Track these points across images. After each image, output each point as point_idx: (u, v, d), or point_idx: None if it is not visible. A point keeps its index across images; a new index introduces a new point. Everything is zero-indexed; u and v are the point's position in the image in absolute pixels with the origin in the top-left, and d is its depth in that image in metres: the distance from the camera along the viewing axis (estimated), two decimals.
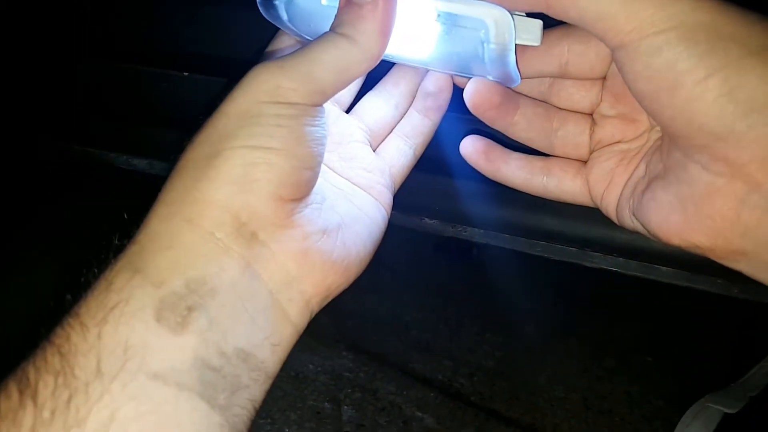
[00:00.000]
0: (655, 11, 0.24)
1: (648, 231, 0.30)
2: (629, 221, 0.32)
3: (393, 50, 0.34)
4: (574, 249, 0.44)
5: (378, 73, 0.37)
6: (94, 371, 0.24)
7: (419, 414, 0.90)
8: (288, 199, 0.28)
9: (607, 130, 0.34)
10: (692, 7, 0.24)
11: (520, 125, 0.35)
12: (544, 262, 0.54)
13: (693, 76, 0.24)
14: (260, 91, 0.28)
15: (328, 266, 0.30)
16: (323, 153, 0.30)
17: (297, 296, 0.29)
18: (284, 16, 0.33)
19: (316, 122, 0.29)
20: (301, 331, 0.30)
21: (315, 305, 0.31)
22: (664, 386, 0.91)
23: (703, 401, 0.73)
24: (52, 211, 1.09)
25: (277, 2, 0.33)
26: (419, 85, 0.38)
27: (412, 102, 0.38)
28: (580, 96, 0.35)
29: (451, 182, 0.46)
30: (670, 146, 0.29)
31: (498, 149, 0.36)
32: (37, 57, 0.60)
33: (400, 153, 0.37)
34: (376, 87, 0.38)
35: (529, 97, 0.35)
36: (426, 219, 0.48)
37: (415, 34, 0.33)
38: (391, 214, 0.41)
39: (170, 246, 0.27)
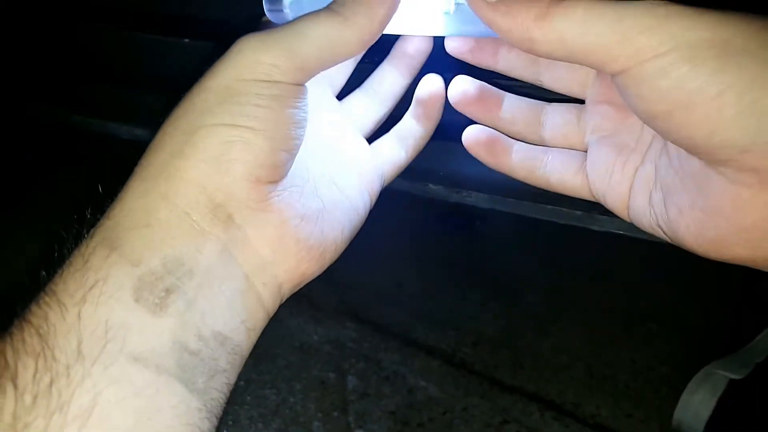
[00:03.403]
0: (651, 35, 0.23)
1: (684, 247, 0.29)
2: (654, 230, 0.31)
3: (396, 28, 0.32)
4: (580, 212, 0.43)
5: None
6: (74, 353, 0.24)
7: (423, 383, 0.91)
8: (264, 181, 0.28)
9: (597, 118, 0.33)
10: (689, 25, 0.23)
11: (506, 120, 0.35)
12: (548, 229, 0.53)
13: (706, 93, 0.23)
14: (241, 66, 0.27)
15: (303, 253, 0.30)
16: (302, 135, 0.29)
17: (270, 281, 0.29)
18: (289, 17, 0.32)
19: (298, 103, 0.28)
20: (272, 315, 0.30)
21: (287, 291, 0.30)
22: (669, 353, 0.91)
23: (709, 368, 0.73)
24: (47, 180, 1.09)
25: (285, 1, 0.31)
26: (404, 85, 0.37)
27: (397, 100, 0.38)
28: (570, 77, 0.34)
29: (455, 147, 0.45)
30: (683, 155, 0.28)
31: (501, 141, 0.36)
32: (31, 22, 0.59)
33: (393, 151, 0.37)
34: (362, 85, 0.38)
35: (517, 80, 0.35)
36: (430, 185, 0.48)
37: (423, 16, 0.31)
38: (395, 180, 0.40)
39: (147, 223, 0.26)
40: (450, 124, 0.42)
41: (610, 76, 0.26)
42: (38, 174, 1.09)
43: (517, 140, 0.36)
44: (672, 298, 0.97)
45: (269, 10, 0.32)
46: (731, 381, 0.72)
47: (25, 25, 0.59)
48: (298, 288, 0.31)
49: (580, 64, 0.26)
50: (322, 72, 0.30)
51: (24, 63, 0.66)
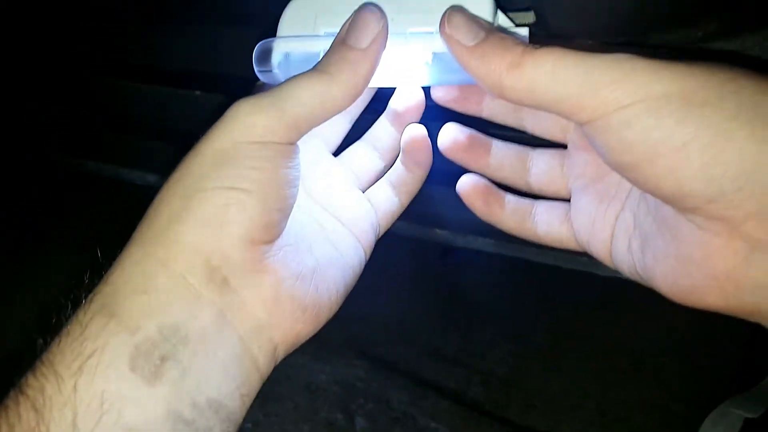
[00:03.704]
0: (616, 87, 0.24)
1: (662, 293, 0.30)
2: (634, 276, 0.31)
3: (384, 81, 0.35)
4: (584, 258, 0.43)
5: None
6: (69, 427, 0.24)
7: (434, 424, 0.89)
8: (259, 241, 0.28)
9: (579, 165, 0.34)
10: (654, 78, 0.24)
11: (494, 166, 0.36)
12: (555, 270, 0.53)
13: (670, 144, 0.23)
14: (236, 130, 0.28)
15: (298, 313, 0.30)
16: (296, 194, 0.30)
17: (266, 344, 0.29)
18: (279, 77, 0.33)
19: (291, 164, 0.29)
20: (265, 379, 0.30)
21: (281, 353, 0.31)
22: (682, 390, 0.89)
23: (724, 406, 0.72)
24: (60, 225, 1.10)
25: (273, 62, 0.33)
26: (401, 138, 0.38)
27: (398, 154, 0.39)
28: (552, 123, 0.34)
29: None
30: (658, 202, 0.28)
31: (495, 193, 0.36)
32: (45, 74, 0.61)
33: (387, 199, 0.38)
34: (362, 138, 0.39)
35: (503, 126, 0.36)
36: (437, 229, 0.48)
37: (404, 68, 0.33)
38: (402, 224, 0.40)
39: (144, 290, 0.26)
40: (454, 172, 0.43)
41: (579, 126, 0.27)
42: (49, 218, 1.10)
43: (505, 186, 0.36)
44: (683, 333, 0.96)
45: (259, 71, 0.33)
46: (747, 420, 0.71)
47: (46, 75, 0.60)
48: (293, 349, 0.31)
49: (550, 112, 0.27)
50: (315, 130, 0.31)
51: (41, 111, 0.67)
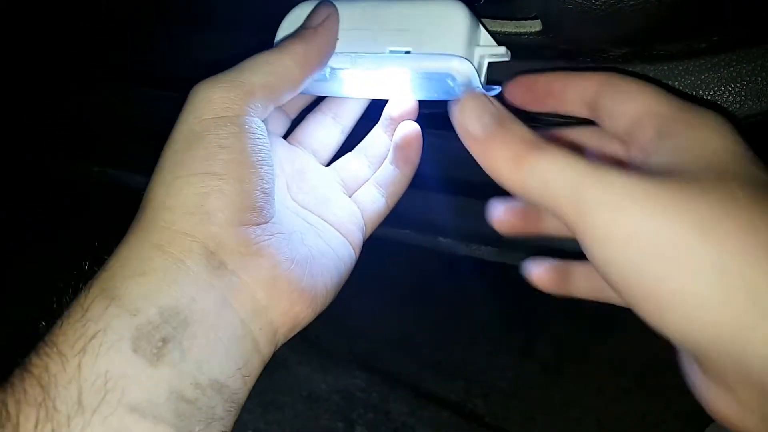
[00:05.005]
0: (605, 215, 0.23)
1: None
2: None
3: (370, 94, 0.37)
4: None
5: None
6: (75, 404, 0.24)
7: None
8: (249, 223, 0.29)
9: None
10: (646, 212, 0.23)
11: (550, 230, 0.35)
12: None
13: (664, 286, 0.23)
14: (198, 107, 0.29)
15: (296, 295, 0.30)
16: (272, 174, 0.31)
17: (266, 326, 0.30)
18: None
19: (257, 140, 0.30)
20: (266, 362, 0.31)
21: (281, 336, 0.31)
22: (682, 406, 0.89)
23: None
24: (65, 231, 1.11)
25: None
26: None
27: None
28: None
29: (464, 201, 0.46)
30: None
31: (562, 269, 0.36)
32: (51, 82, 0.61)
33: (372, 200, 0.38)
34: (356, 147, 0.39)
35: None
36: (440, 238, 0.48)
37: (391, 83, 0.34)
38: (405, 233, 0.40)
39: (143, 272, 0.27)
40: (456, 180, 0.43)
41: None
42: (51, 223, 1.11)
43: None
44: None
45: None
46: None
47: (57, 84, 0.61)
48: (292, 334, 0.32)
49: (542, 207, 0.26)
50: (303, 141, 0.35)
51: (47, 118, 0.68)
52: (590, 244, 0.24)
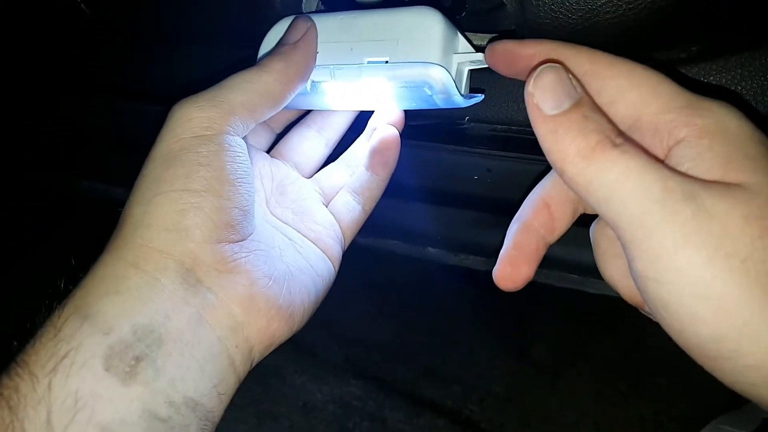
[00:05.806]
0: (675, 248, 0.22)
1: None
2: None
3: (353, 105, 0.37)
4: (575, 276, 0.44)
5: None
6: (44, 424, 0.24)
7: None
8: (225, 240, 0.29)
9: None
10: (720, 242, 0.21)
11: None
12: (552, 289, 0.54)
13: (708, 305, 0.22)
14: (177, 127, 0.29)
15: (273, 312, 0.30)
16: (251, 191, 0.30)
17: (243, 343, 0.29)
18: None
19: (237, 158, 0.30)
20: (241, 381, 0.30)
21: (257, 354, 0.31)
22: (677, 409, 0.89)
23: (716, 422, 0.72)
24: (40, 242, 1.10)
25: None
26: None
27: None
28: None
29: (453, 212, 0.46)
30: None
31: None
32: (37, 95, 0.61)
33: (348, 208, 0.38)
34: (339, 158, 0.39)
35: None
36: (429, 248, 0.48)
37: (372, 94, 0.34)
38: (395, 243, 0.40)
39: (117, 291, 0.27)
40: (445, 191, 0.43)
41: None
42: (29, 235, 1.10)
43: None
44: (679, 352, 0.96)
45: None
46: None
47: (47, 100, 0.61)
48: (268, 351, 0.31)
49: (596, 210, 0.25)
50: (285, 154, 0.35)
51: (36, 134, 0.68)
52: (643, 275, 0.23)
